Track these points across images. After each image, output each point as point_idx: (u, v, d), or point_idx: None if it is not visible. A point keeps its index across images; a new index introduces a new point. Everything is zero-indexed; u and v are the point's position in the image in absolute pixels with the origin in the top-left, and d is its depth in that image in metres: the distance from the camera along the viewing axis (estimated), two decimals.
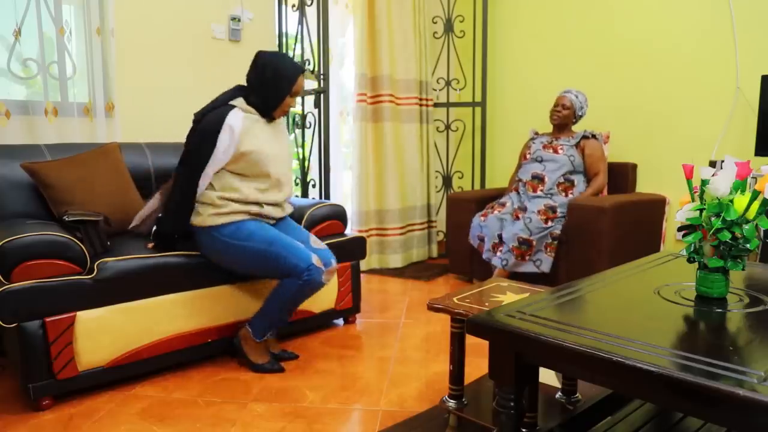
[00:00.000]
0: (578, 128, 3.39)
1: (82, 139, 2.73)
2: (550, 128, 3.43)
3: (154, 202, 2.27)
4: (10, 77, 2.60)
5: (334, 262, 2.22)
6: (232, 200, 2.13)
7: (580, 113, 3.27)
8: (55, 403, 1.89)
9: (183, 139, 2.95)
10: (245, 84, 2.21)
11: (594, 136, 3.26)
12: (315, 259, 2.09)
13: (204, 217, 2.13)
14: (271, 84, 2.13)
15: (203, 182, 2.13)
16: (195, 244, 2.18)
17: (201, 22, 3.29)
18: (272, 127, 2.24)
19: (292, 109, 3.77)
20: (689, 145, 3.26)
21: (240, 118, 2.10)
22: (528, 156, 3.34)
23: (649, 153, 3.42)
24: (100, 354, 1.94)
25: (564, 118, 3.24)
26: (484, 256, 3.17)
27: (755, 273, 1.51)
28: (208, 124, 2.08)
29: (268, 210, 2.20)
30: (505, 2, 4.02)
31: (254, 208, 2.16)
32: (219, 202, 2.11)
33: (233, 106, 2.12)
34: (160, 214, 2.19)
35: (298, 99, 3.64)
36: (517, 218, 3.04)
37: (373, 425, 1.76)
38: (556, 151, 3.23)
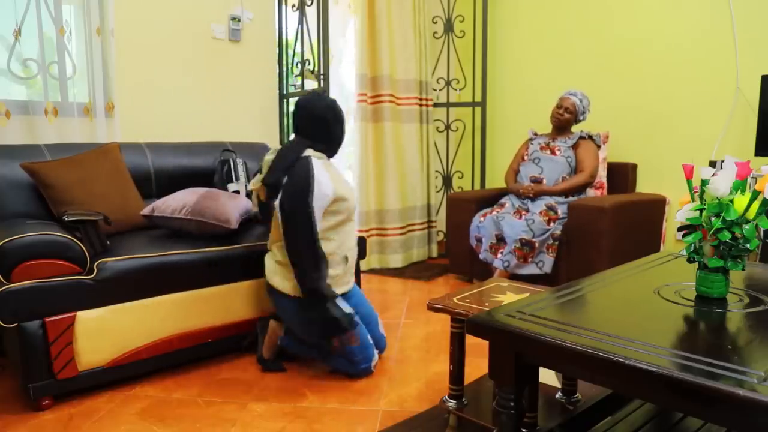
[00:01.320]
0: (577, 129, 3.39)
1: (82, 139, 2.74)
2: (548, 128, 3.42)
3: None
4: (10, 77, 2.60)
5: (385, 350, 2.30)
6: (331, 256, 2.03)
7: (581, 117, 3.27)
8: (55, 403, 1.89)
9: (183, 139, 2.98)
10: (299, 135, 2.12)
11: (591, 137, 3.26)
12: (375, 365, 2.11)
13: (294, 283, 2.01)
14: (336, 126, 2.11)
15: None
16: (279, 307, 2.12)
17: (201, 22, 3.29)
18: (331, 165, 2.17)
19: (292, 109, 3.78)
20: (689, 145, 3.26)
21: (325, 174, 2.01)
22: (526, 157, 3.34)
23: (649, 153, 3.42)
24: (100, 354, 1.94)
25: (565, 121, 3.24)
26: (481, 256, 3.17)
27: (755, 273, 1.51)
28: (300, 194, 1.94)
29: (351, 261, 2.11)
30: (505, 2, 4.02)
31: (341, 269, 2.07)
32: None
33: (308, 156, 2.03)
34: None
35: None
36: (520, 216, 3.04)
37: (373, 425, 1.76)
38: (553, 153, 3.23)
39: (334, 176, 2.08)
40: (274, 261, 2.08)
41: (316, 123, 2.08)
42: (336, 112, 2.12)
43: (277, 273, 2.07)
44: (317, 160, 2.04)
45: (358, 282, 2.70)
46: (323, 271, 1.99)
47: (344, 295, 2.14)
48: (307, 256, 1.95)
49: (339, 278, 2.08)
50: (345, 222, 2.09)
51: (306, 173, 1.96)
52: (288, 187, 1.97)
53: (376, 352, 2.14)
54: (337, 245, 2.06)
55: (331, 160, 2.20)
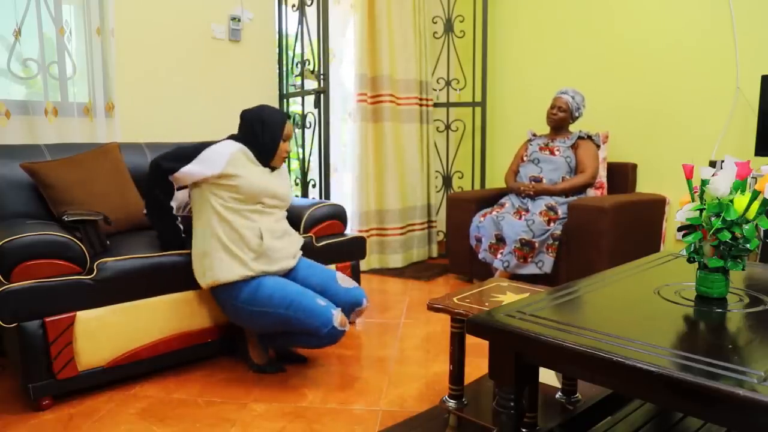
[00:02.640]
0: (576, 128, 3.39)
1: (82, 139, 2.73)
2: (548, 129, 3.43)
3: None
4: (10, 77, 2.60)
5: (365, 301, 2.17)
6: (234, 242, 2.03)
7: (576, 114, 3.26)
8: (55, 403, 1.89)
9: (183, 140, 2.97)
10: (239, 135, 2.19)
11: (590, 137, 3.26)
12: (339, 321, 1.98)
13: (214, 272, 2.01)
14: (264, 135, 2.12)
15: (179, 184, 2.05)
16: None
17: (201, 22, 3.29)
18: (267, 171, 2.18)
19: (292, 109, 3.78)
20: (689, 145, 3.26)
21: (234, 149, 2.07)
22: (525, 158, 3.34)
23: (649, 153, 3.42)
24: (100, 354, 1.94)
25: (560, 120, 3.24)
26: (480, 256, 3.18)
27: (755, 273, 1.51)
28: (205, 142, 2.09)
29: (268, 240, 2.07)
30: (505, 2, 4.02)
31: (255, 252, 2.05)
32: (222, 251, 2.02)
33: (231, 141, 2.11)
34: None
35: (298, 98, 3.65)
36: (519, 217, 3.04)
37: (373, 425, 1.76)
38: (552, 153, 3.23)
39: (239, 160, 2.06)
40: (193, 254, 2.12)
41: (246, 128, 2.14)
42: (263, 118, 2.13)
43: (195, 268, 2.10)
44: (233, 143, 2.08)
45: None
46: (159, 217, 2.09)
47: (286, 275, 2.14)
48: (153, 172, 2.03)
49: (255, 258, 2.04)
50: (243, 203, 2.05)
51: (214, 143, 2.07)
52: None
53: (336, 310, 1.99)
54: (237, 231, 2.02)
55: (280, 171, 2.22)
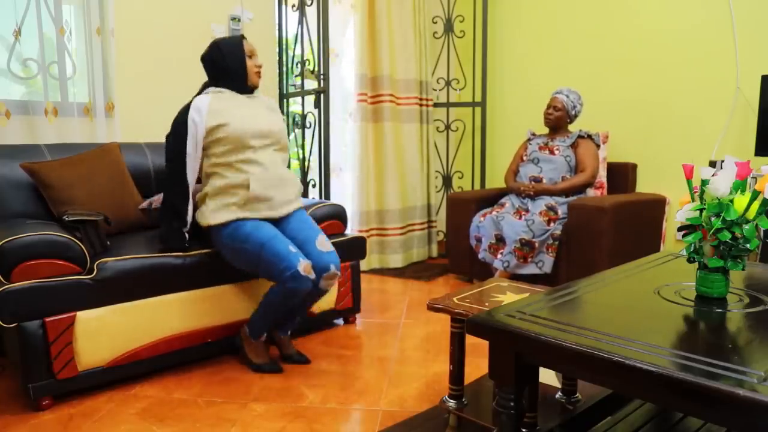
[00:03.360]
0: (575, 127, 3.39)
1: (82, 139, 2.73)
2: (547, 129, 3.43)
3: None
4: (10, 77, 2.60)
5: (333, 267, 2.15)
6: (224, 192, 2.15)
7: (573, 112, 3.26)
8: (55, 403, 1.89)
9: None
10: (209, 81, 2.28)
11: (590, 137, 3.26)
12: (303, 267, 2.01)
13: (205, 214, 2.16)
14: (226, 60, 2.20)
15: (192, 177, 2.14)
16: (208, 242, 2.22)
17: (201, 22, 3.29)
18: (253, 101, 2.27)
19: (292, 109, 3.78)
20: (689, 145, 3.26)
21: (206, 100, 2.16)
22: (525, 158, 3.34)
23: (649, 153, 3.42)
24: (100, 354, 1.94)
25: (557, 119, 3.24)
26: (480, 256, 3.18)
27: (755, 273, 1.51)
28: (176, 117, 2.17)
29: (255, 187, 2.12)
30: (505, 2, 4.02)
31: (241, 197, 2.12)
32: (211, 199, 2.16)
33: (195, 97, 2.20)
34: (161, 219, 2.18)
35: (298, 98, 3.65)
36: (519, 217, 3.04)
37: (373, 425, 1.76)
38: (552, 153, 3.23)
39: (217, 105, 2.15)
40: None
41: (207, 65, 2.25)
42: (219, 47, 2.21)
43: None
44: (205, 96, 2.18)
45: (358, 282, 2.71)
46: (172, 212, 2.14)
47: (278, 222, 2.21)
48: (170, 185, 2.14)
49: (242, 205, 2.14)
50: (233, 153, 2.13)
51: (184, 110, 2.15)
52: (173, 121, 2.17)
53: (304, 259, 2.04)
54: (225, 181, 2.14)
55: (263, 101, 2.31)
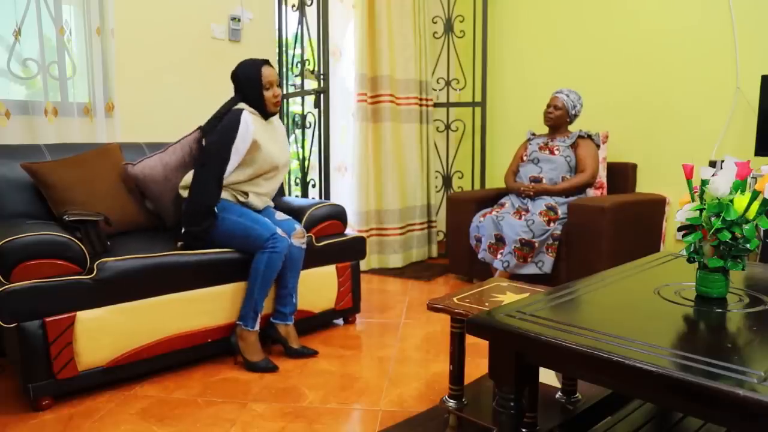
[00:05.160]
0: (575, 128, 3.39)
1: (82, 139, 2.73)
2: (547, 129, 3.43)
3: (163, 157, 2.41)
4: (10, 77, 2.60)
5: (297, 226, 2.38)
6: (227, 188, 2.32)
7: (573, 112, 3.26)
8: (55, 403, 1.89)
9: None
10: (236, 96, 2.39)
11: (590, 137, 3.26)
12: (279, 231, 2.22)
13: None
14: (247, 86, 2.31)
15: (226, 178, 2.26)
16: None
17: (201, 22, 3.29)
18: (270, 127, 2.41)
19: (292, 109, 3.78)
20: (689, 145, 3.26)
21: (251, 116, 2.29)
22: (525, 158, 3.34)
23: (649, 153, 3.42)
24: (100, 354, 1.94)
25: (557, 119, 3.24)
26: (479, 256, 3.18)
27: (755, 273, 1.51)
28: (228, 122, 2.24)
29: (251, 199, 2.36)
30: (505, 2, 4.02)
31: (241, 198, 2.35)
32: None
33: (242, 109, 2.29)
34: (185, 214, 2.24)
35: (298, 98, 3.65)
36: (519, 217, 3.04)
37: (373, 425, 1.76)
38: (552, 153, 3.23)
39: (261, 129, 2.31)
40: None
41: (235, 86, 2.37)
42: (238, 74, 2.32)
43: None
44: (249, 113, 2.28)
45: (357, 282, 2.71)
46: (203, 212, 2.22)
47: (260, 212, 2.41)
48: (204, 186, 2.21)
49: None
50: (253, 174, 2.32)
51: (236, 119, 2.23)
52: (219, 128, 2.25)
53: (277, 228, 2.24)
54: (245, 186, 2.35)
55: (277, 127, 2.47)
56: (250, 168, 2.31)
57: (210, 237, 2.23)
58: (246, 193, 2.34)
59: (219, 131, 2.23)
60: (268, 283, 2.21)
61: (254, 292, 2.19)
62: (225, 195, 2.31)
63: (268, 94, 2.31)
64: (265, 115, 2.36)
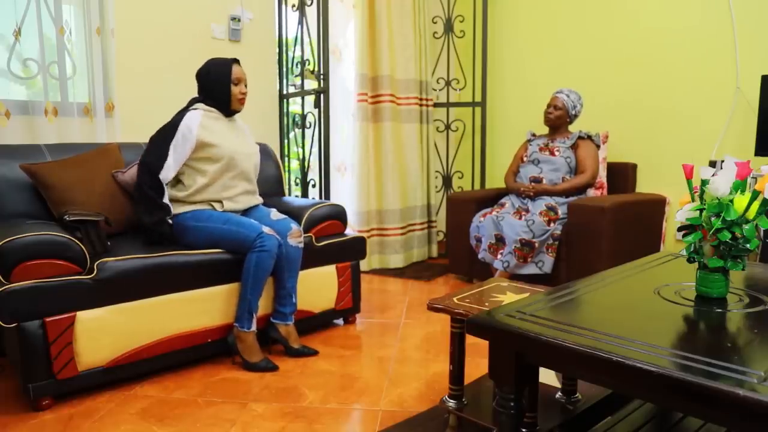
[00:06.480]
0: (575, 128, 3.39)
1: (82, 139, 2.73)
2: (547, 129, 3.43)
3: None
4: (10, 77, 2.60)
5: (293, 225, 2.35)
6: (198, 196, 2.31)
7: (573, 112, 3.26)
8: (55, 403, 1.89)
9: None
10: (198, 96, 2.42)
11: (590, 137, 3.26)
12: (265, 229, 2.20)
13: (174, 208, 2.31)
14: (212, 82, 2.33)
15: (166, 174, 2.23)
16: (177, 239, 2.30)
17: (201, 22, 3.29)
18: (232, 124, 2.43)
19: (292, 109, 3.78)
20: (689, 145, 3.26)
21: (198, 116, 2.29)
22: (525, 158, 3.34)
23: (649, 153, 3.42)
24: (100, 354, 1.94)
25: (557, 119, 3.24)
26: (479, 256, 3.18)
27: (755, 273, 1.51)
28: (171, 121, 2.29)
29: (228, 205, 2.35)
30: (505, 2, 4.02)
31: (217, 206, 2.33)
32: (186, 199, 2.30)
33: (195, 109, 2.32)
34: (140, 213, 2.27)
35: (298, 98, 3.64)
36: (519, 217, 3.04)
37: (373, 425, 1.76)
38: (552, 153, 3.23)
39: (216, 127, 2.32)
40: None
41: (200, 83, 2.38)
42: (209, 69, 2.34)
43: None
44: (197, 112, 2.30)
45: (357, 282, 2.71)
46: (145, 205, 2.23)
47: (244, 212, 2.42)
48: (141, 177, 2.23)
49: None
50: (218, 171, 2.31)
51: (178, 120, 2.26)
52: (163, 125, 2.29)
53: (266, 227, 2.23)
54: (208, 193, 2.32)
55: (240, 126, 2.48)
56: (211, 166, 2.29)
57: (196, 243, 2.23)
58: (220, 202, 2.34)
59: (161, 128, 2.28)
60: (259, 282, 2.20)
61: (247, 293, 2.19)
62: (203, 206, 2.31)
63: (235, 89, 2.35)
64: (229, 112, 2.39)
